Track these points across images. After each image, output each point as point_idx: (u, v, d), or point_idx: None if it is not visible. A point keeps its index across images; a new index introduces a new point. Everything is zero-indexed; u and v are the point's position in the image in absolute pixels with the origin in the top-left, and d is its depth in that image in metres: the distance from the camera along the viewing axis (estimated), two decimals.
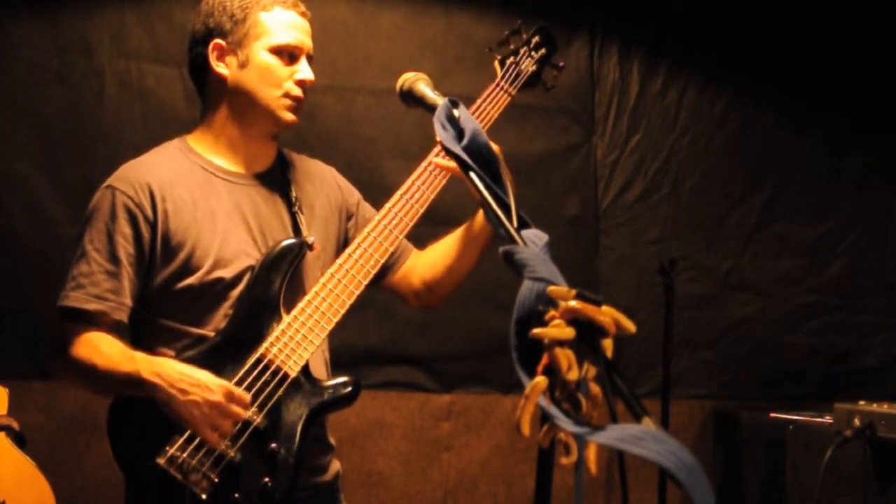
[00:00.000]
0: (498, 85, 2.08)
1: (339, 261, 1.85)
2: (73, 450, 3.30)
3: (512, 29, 2.16)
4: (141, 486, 1.73)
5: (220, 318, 1.80)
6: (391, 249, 1.88)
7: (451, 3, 3.66)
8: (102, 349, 1.74)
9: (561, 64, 2.20)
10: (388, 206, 1.90)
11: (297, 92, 1.88)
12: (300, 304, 1.81)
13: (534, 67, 2.14)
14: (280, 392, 1.76)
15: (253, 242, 1.85)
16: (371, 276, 1.85)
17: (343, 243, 2.03)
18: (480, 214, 2.00)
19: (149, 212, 1.78)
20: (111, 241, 1.77)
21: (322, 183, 2.04)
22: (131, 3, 3.45)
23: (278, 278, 1.82)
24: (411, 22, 3.64)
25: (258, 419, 1.73)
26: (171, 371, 1.69)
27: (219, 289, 1.80)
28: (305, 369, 1.80)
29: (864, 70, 3.83)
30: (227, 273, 1.80)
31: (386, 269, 2.01)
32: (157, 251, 1.79)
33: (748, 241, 3.81)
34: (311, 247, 1.88)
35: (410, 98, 1.52)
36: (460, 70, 3.64)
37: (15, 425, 2.89)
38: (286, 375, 1.76)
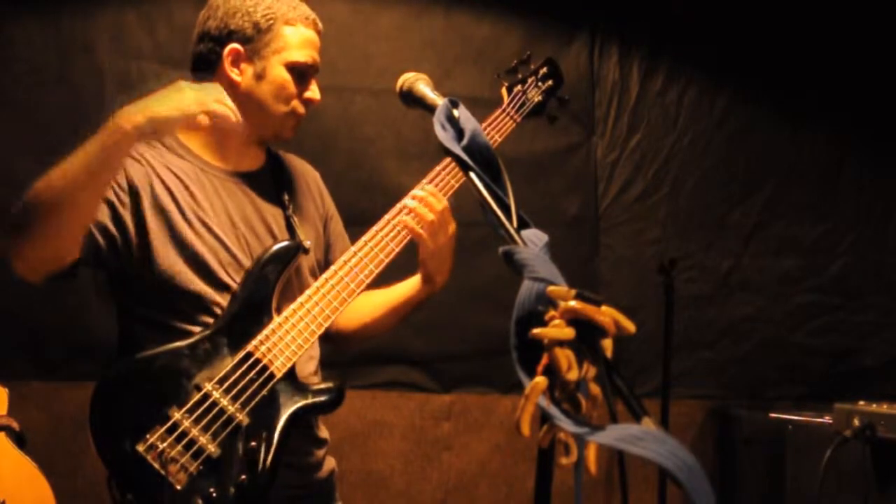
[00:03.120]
0: (504, 111, 2.13)
1: (333, 266, 1.86)
2: (73, 450, 3.30)
3: (521, 58, 2.21)
4: (118, 473, 1.71)
5: (206, 315, 1.79)
6: (386, 260, 1.89)
7: (451, 3, 3.66)
8: (51, 170, 1.67)
9: (566, 97, 2.26)
10: (386, 218, 1.92)
11: (302, 111, 1.90)
12: (292, 306, 1.81)
13: (539, 98, 2.19)
14: (265, 391, 1.76)
15: (236, 240, 1.84)
16: (364, 285, 1.86)
17: (325, 250, 2.05)
18: (407, 283, 2.03)
19: (127, 199, 1.77)
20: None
21: (308, 187, 2.06)
22: (132, 4, 3.45)
23: (272, 279, 1.82)
24: (411, 22, 3.64)
25: (241, 416, 1.73)
26: (134, 105, 1.67)
27: (203, 283, 1.79)
28: (292, 371, 1.80)
29: (864, 70, 3.83)
30: (209, 269, 1.80)
31: None
32: (138, 236, 1.76)
33: (748, 241, 3.81)
34: (306, 250, 1.89)
35: (410, 98, 1.52)
36: (460, 70, 3.64)
37: (15, 425, 2.88)
38: (272, 375, 1.76)
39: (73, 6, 3.42)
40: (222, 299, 1.80)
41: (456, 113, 1.22)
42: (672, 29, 3.79)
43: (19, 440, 2.89)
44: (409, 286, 2.04)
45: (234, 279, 1.82)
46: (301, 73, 1.87)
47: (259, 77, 1.85)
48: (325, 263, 2.01)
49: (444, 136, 1.18)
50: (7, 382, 2.99)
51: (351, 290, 1.84)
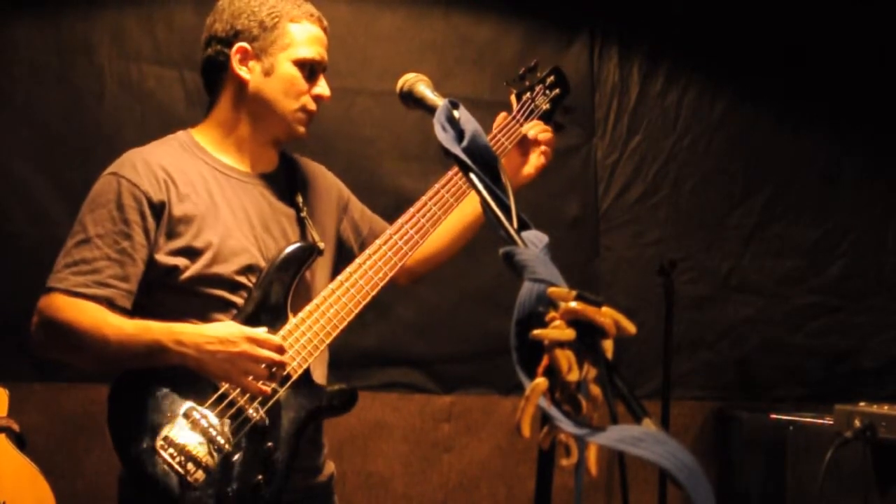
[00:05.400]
0: (514, 118, 2.13)
1: (348, 269, 1.87)
2: (74, 451, 3.30)
3: (528, 66, 2.22)
4: (135, 469, 1.72)
5: (224, 316, 1.79)
6: (399, 264, 1.89)
7: (451, 5, 3.66)
8: (111, 321, 1.71)
9: (573, 106, 2.32)
10: (399, 222, 1.92)
11: (313, 107, 1.91)
12: (307, 308, 1.82)
13: (547, 105, 2.21)
14: (281, 391, 1.77)
15: (254, 240, 1.85)
16: (378, 288, 1.87)
17: (338, 245, 2.05)
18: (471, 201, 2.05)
19: (154, 199, 1.78)
20: (116, 228, 1.76)
21: (317, 185, 2.06)
22: (132, 5, 3.45)
23: (287, 280, 1.83)
24: (411, 23, 3.64)
25: (258, 416, 1.74)
26: (192, 336, 1.69)
27: (217, 283, 1.80)
28: (307, 372, 1.81)
29: (864, 71, 3.83)
30: (225, 269, 1.80)
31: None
32: (161, 239, 1.78)
33: (748, 242, 3.81)
34: (321, 252, 1.90)
35: (410, 99, 1.52)
36: (460, 71, 3.64)
37: (15, 427, 2.88)
38: (289, 375, 1.77)
39: (73, 7, 3.42)
40: (240, 300, 1.81)
41: (456, 114, 1.22)
42: (672, 30, 3.79)
43: (19, 442, 2.89)
44: (471, 205, 2.08)
45: (251, 280, 1.83)
46: (309, 69, 1.89)
47: (267, 74, 1.87)
48: (360, 248, 2.04)
49: (445, 137, 1.18)
50: (7, 384, 2.99)
51: (366, 293, 1.85)
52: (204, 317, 1.78)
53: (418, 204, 1.94)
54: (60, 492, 2.92)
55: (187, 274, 1.78)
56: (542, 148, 2.11)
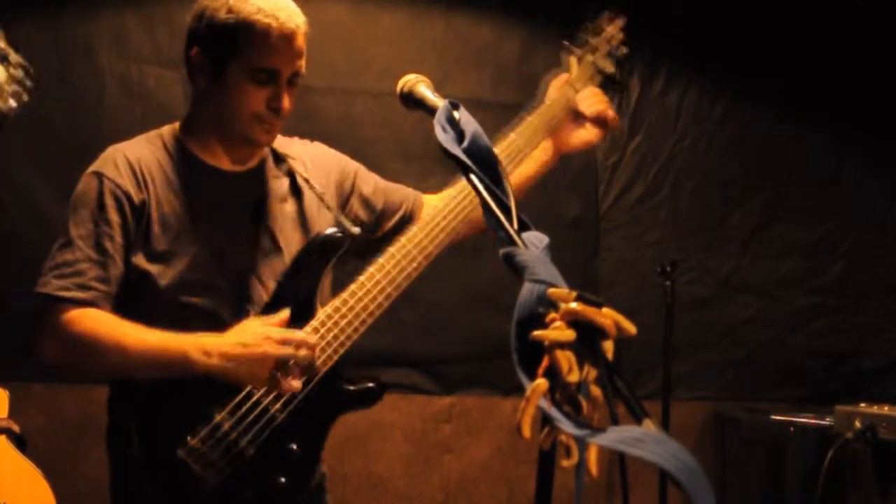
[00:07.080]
0: (571, 85, 2.06)
1: (380, 260, 1.81)
2: (75, 453, 3.29)
3: (589, 21, 2.12)
4: (153, 472, 1.69)
5: (212, 324, 1.74)
6: (426, 263, 1.84)
7: (452, 5, 3.66)
8: (129, 331, 1.67)
9: (630, 61, 2.17)
10: (431, 214, 1.87)
11: (272, 119, 1.79)
12: (335, 302, 1.77)
13: (612, 69, 2.11)
14: (307, 389, 1.72)
15: (235, 241, 1.81)
16: (410, 280, 1.82)
17: (366, 208, 2.01)
18: (533, 162, 2.06)
19: (135, 199, 1.75)
20: (98, 229, 1.73)
21: (314, 171, 1.97)
22: (132, 5, 3.45)
23: (316, 271, 1.79)
24: (411, 24, 3.64)
25: (282, 416, 1.70)
26: (215, 344, 1.65)
27: (201, 289, 1.76)
28: (333, 369, 1.76)
29: (865, 71, 3.83)
30: (204, 274, 1.77)
31: (404, 221, 1.99)
32: (139, 241, 1.75)
33: (749, 243, 3.81)
34: (353, 236, 1.83)
35: (411, 100, 1.52)
36: (461, 72, 3.64)
37: (15, 428, 2.88)
38: (315, 372, 1.73)
39: (73, 8, 3.42)
40: (225, 308, 1.77)
41: (456, 115, 1.21)
42: (672, 30, 3.79)
43: (20, 443, 2.88)
44: (537, 164, 2.08)
45: (232, 284, 1.78)
46: (263, 78, 1.75)
47: (215, 79, 1.77)
48: (375, 224, 1.99)
49: (445, 138, 1.18)
50: (8, 385, 2.98)
51: (398, 285, 1.80)
52: (187, 325, 1.71)
53: (444, 202, 1.88)
54: (61, 493, 2.91)
55: (166, 280, 1.74)
56: (609, 116, 2.02)
